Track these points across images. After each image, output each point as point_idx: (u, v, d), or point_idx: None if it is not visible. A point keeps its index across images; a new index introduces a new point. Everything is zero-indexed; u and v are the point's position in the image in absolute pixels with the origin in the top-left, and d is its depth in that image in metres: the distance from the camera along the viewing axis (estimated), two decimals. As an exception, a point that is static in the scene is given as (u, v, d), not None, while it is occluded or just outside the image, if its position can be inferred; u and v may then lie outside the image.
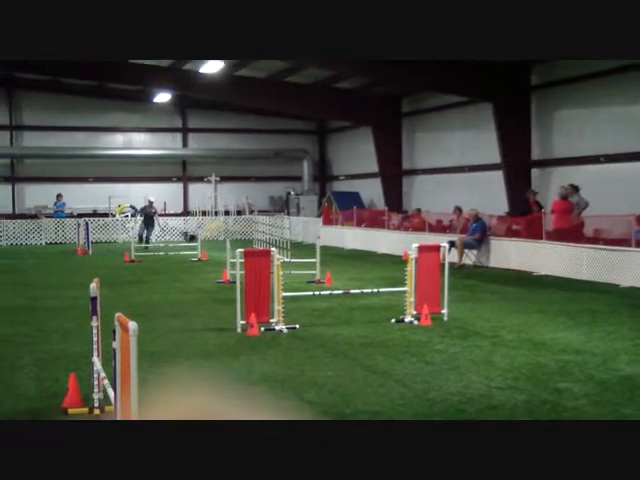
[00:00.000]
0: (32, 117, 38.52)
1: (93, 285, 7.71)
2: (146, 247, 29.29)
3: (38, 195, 37.96)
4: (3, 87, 37.59)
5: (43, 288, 17.74)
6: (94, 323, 7.72)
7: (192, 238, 32.88)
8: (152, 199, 32.25)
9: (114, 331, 6.04)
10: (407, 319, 12.64)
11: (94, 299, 7.70)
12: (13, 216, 36.77)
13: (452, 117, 30.96)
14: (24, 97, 38.21)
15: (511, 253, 21.44)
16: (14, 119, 38.31)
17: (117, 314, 5.89)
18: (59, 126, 38.41)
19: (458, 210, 25.20)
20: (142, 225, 31.94)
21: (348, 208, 32.09)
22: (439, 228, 25.92)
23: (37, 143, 38.43)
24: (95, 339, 7.71)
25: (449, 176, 31.30)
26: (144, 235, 31.55)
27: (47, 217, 35.54)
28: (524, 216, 22.75)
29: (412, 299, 12.72)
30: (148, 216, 31.89)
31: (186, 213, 39.54)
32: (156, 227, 32.50)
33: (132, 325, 5.27)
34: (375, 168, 34.93)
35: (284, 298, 12.14)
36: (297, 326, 12.08)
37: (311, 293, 14.20)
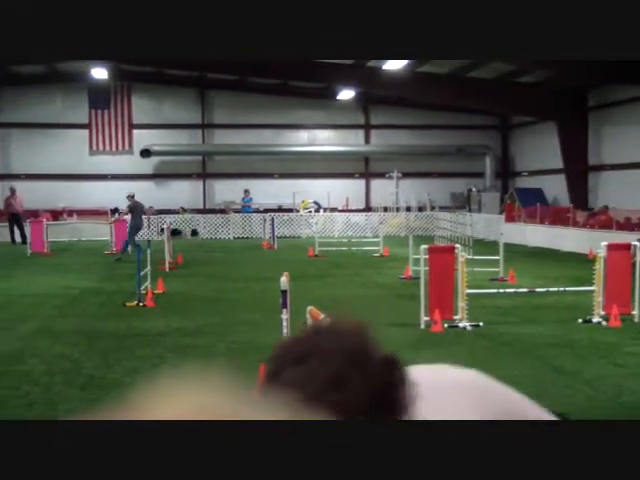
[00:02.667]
0: (222, 115, 40.09)
1: (284, 279, 7.96)
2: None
3: (226, 191, 39.49)
4: (197, 87, 39.37)
5: (233, 281, 18.45)
6: (284, 315, 7.95)
7: (175, 232, 30.03)
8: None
9: (305, 324, 6.24)
10: (595, 319, 12.27)
11: (284, 292, 7.94)
12: (203, 211, 38.45)
13: (643, 110, 29.62)
14: (215, 96, 39.84)
15: None
16: (206, 118, 40.01)
17: (309, 307, 6.08)
18: (246, 124, 39.76)
19: None
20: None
21: (531, 205, 31.39)
22: (628, 226, 24.89)
23: (226, 140, 39.96)
24: (285, 331, 7.94)
25: (639, 172, 29.95)
26: None
27: (235, 212, 36.89)
28: None
29: (600, 299, 12.34)
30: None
31: (368, 209, 39.88)
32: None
33: (324, 319, 5.42)
34: (559, 164, 33.95)
35: (468, 295, 12.08)
36: (481, 324, 11.99)
37: (495, 291, 14.05)
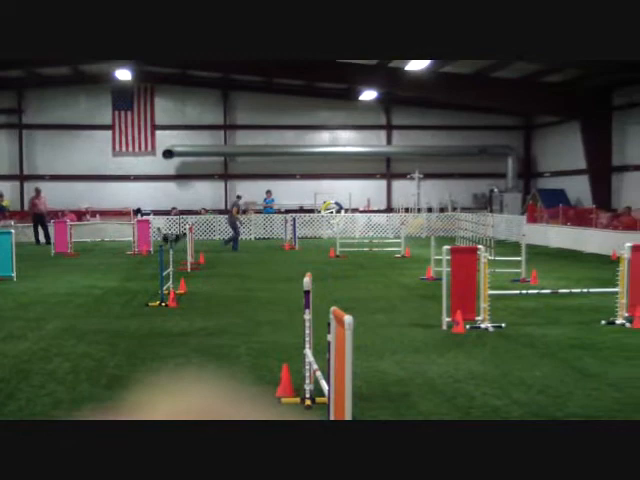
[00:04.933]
0: (244, 116, 40.19)
1: (307, 279, 7.96)
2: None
3: (248, 191, 39.57)
4: (219, 88, 39.49)
5: (255, 281, 18.50)
6: (307, 316, 7.96)
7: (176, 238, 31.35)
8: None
9: (329, 324, 6.25)
10: (619, 321, 12.20)
11: (307, 292, 7.95)
12: (225, 212, 38.53)
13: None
14: (237, 97, 39.94)
15: None
16: (228, 119, 40.12)
17: (332, 308, 6.09)
18: (268, 125, 39.84)
19: None
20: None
21: (553, 205, 31.24)
22: (651, 227, 24.73)
23: (248, 141, 40.07)
24: (307, 331, 7.95)
25: (664, 172, 29.76)
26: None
27: (256, 213, 36.96)
28: None
29: (624, 300, 12.27)
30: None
31: (389, 209, 39.84)
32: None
33: (348, 319, 5.43)
34: (582, 164, 33.75)
35: (490, 296, 12.05)
36: (503, 325, 11.96)
37: (518, 292, 14.01)
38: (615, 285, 12.53)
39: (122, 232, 31.80)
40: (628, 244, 12.65)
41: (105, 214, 36.09)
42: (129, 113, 39.14)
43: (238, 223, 29.11)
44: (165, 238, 30.93)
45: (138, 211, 36.09)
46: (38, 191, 32.26)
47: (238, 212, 29.81)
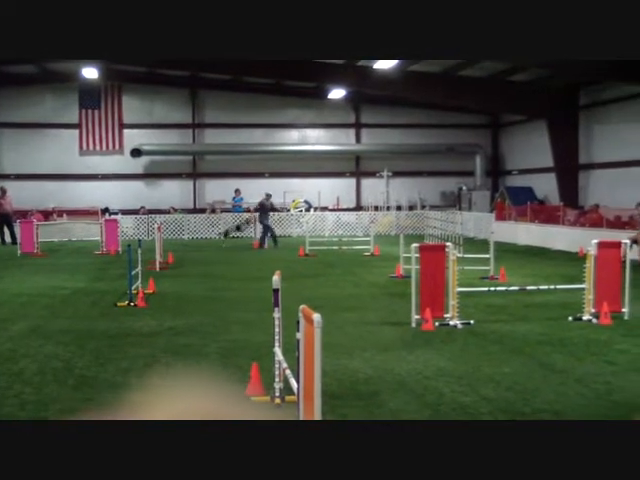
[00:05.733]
0: (212, 115, 40.07)
1: (276, 277, 7.96)
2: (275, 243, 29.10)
3: (217, 190, 39.47)
4: (187, 87, 39.34)
5: (224, 280, 18.46)
6: (276, 314, 7.95)
7: (237, 228, 33.85)
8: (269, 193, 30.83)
9: (298, 322, 6.26)
10: (585, 317, 12.32)
11: (276, 291, 7.94)
12: (194, 210, 38.44)
13: (635, 108, 29.69)
14: (206, 96, 39.81)
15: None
16: (196, 117, 39.97)
17: (302, 306, 6.09)
18: (238, 123, 39.75)
19: None
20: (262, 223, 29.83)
21: (521, 203, 31.49)
22: (618, 224, 24.99)
23: (217, 140, 39.93)
24: (277, 330, 7.95)
25: (629, 170, 30.04)
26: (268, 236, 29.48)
27: (224, 211, 36.85)
28: None
29: (591, 297, 12.39)
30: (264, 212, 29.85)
31: (359, 208, 39.92)
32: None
33: (317, 317, 5.44)
34: (550, 162, 34.05)
35: (459, 293, 12.11)
36: (472, 322, 12.03)
37: (486, 289, 14.10)
38: (582, 282, 12.64)
39: (90, 232, 31.52)
40: (594, 241, 12.77)
41: (72, 214, 35.75)
42: (96, 112, 38.86)
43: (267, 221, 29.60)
44: (226, 233, 32.16)
45: (106, 210, 35.83)
46: (4, 191, 31.86)
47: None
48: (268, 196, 29.84)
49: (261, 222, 29.67)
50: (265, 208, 29.55)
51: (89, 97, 38.51)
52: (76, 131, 38.75)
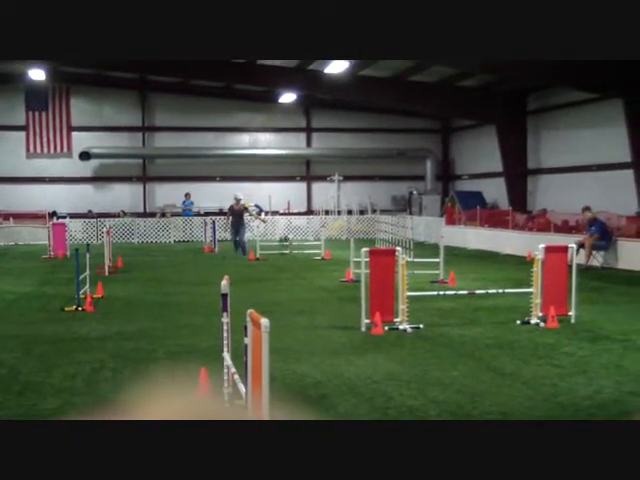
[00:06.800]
0: (163, 118, 39.81)
1: (224, 282, 7.91)
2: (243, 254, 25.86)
3: (168, 194, 39.21)
4: (137, 90, 39.03)
5: (173, 284, 18.32)
6: (225, 319, 7.91)
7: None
8: (240, 196, 27.32)
9: (245, 327, 6.22)
10: (533, 321, 12.46)
11: (225, 296, 7.90)
12: (144, 214, 38.11)
13: (581, 114, 30.20)
14: (156, 99, 39.53)
15: (642, 254, 20.76)
16: (146, 120, 39.65)
17: (249, 310, 6.06)
18: (188, 127, 39.54)
19: (587, 210, 24.30)
20: (232, 228, 27.20)
21: (471, 208, 31.79)
22: (565, 228, 25.35)
23: (167, 144, 39.70)
24: (225, 335, 7.90)
25: (576, 175, 30.55)
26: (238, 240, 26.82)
27: (174, 215, 36.64)
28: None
29: (538, 300, 12.53)
30: (237, 216, 26.89)
31: (310, 212, 39.95)
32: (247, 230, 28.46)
33: (264, 322, 5.41)
34: (499, 167, 34.46)
35: (408, 298, 12.16)
36: (421, 326, 12.08)
37: (436, 293, 14.18)
38: (530, 286, 12.78)
39: (37, 236, 31.08)
40: (542, 245, 12.93)
41: (19, 217, 35.15)
42: (44, 114, 38.33)
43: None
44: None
45: (54, 214, 35.33)
46: (-51, 194, 31.32)
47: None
48: (237, 200, 26.94)
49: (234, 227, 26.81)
50: (234, 212, 26.73)
51: (36, 99, 37.96)
52: (23, 133, 38.18)
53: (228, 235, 30.29)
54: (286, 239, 31.07)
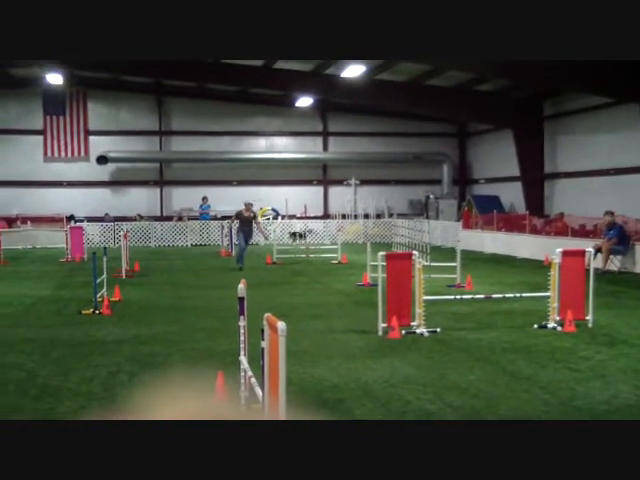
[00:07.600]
0: (179, 122, 39.92)
1: (241, 286, 7.91)
2: (240, 268, 22.60)
3: (184, 198, 39.31)
4: (154, 94, 39.16)
5: (190, 288, 18.35)
6: (241, 323, 7.90)
7: (300, 236, 33.44)
8: (251, 202, 25.38)
9: (262, 331, 6.21)
10: (550, 325, 12.39)
11: (241, 299, 7.89)
12: (161, 218, 38.23)
13: (598, 119, 30.08)
14: (172, 103, 39.64)
15: (660, 259, 20.64)
16: (163, 125, 39.78)
17: (266, 314, 6.05)
18: (205, 131, 39.65)
19: (609, 214, 23.57)
20: (239, 234, 24.20)
21: (488, 212, 31.69)
22: (582, 233, 25.22)
23: (184, 148, 39.81)
24: (242, 338, 7.89)
25: (593, 179, 30.42)
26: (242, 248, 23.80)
27: (191, 219, 36.72)
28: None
29: (555, 305, 12.47)
30: (245, 223, 24.22)
31: (326, 216, 39.93)
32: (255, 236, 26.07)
33: (281, 325, 5.40)
34: (516, 171, 34.34)
35: (425, 301, 12.13)
36: (438, 330, 12.05)
37: (453, 297, 14.15)
38: (547, 290, 12.72)
39: (55, 239, 31.24)
40: (559, 249, 12.87)
41: (37, 221, 35.37)
42: (61, 118, 38.53)
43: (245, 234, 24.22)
44: (300, 235, 31.75)
45: (71, 218, 35.50)
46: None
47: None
48: (247, 206, 24.69)
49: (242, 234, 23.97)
50: (242, 219, 24.26)
51: (54, 103, 38.16)
52: (41, 137, 38.41)
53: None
54: (302, 235, 30.95)
